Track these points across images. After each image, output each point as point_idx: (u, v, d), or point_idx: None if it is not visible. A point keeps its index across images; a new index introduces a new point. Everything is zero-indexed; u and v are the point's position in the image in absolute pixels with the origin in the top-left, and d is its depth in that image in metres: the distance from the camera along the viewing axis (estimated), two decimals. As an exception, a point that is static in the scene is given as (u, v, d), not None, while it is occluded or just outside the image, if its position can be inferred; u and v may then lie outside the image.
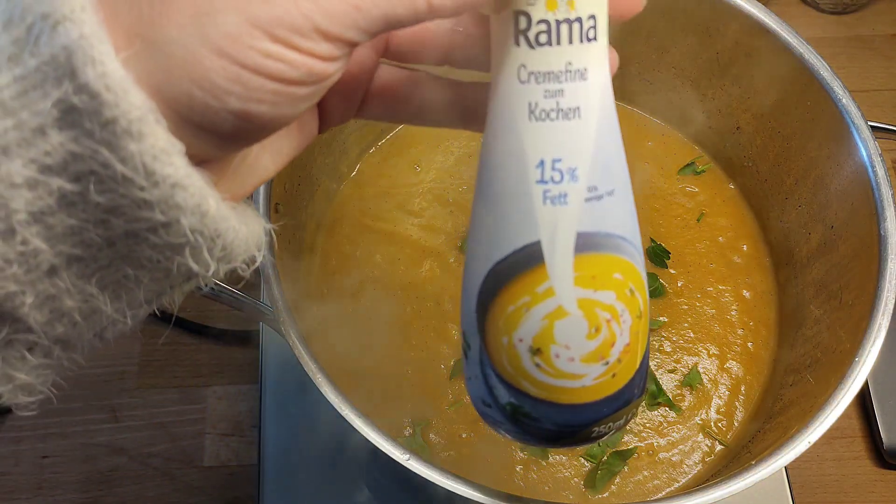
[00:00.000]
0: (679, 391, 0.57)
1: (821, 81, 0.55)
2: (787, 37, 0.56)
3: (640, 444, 0.55)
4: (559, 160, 0.30)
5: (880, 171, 0.52)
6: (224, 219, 0.26)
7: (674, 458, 0.55)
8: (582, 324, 0.31)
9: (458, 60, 0.33)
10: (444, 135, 0.66)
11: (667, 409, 0.56)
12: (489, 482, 0.53)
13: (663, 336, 0.59)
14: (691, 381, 0.57)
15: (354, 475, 0.59)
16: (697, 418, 0.57)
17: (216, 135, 0.25)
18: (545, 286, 0.31)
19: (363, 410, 0.43)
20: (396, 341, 0.58)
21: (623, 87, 0.68)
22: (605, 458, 0.54)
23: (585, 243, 0.30)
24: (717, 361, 0.59)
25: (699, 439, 0.56)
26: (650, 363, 0.58)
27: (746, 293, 0.61)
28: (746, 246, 0.63)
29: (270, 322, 0.47)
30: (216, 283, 0.49)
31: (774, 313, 0.61)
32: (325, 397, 0.44)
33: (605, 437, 0.35)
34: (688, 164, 0.66)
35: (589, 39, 0.29)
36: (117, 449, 0.66)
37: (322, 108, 0.32)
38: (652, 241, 0.62)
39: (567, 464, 0.54)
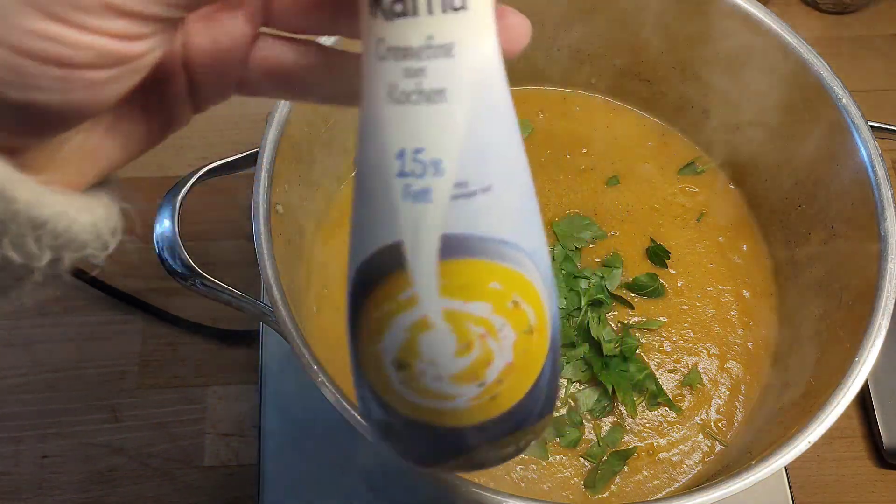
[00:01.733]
0: (679, 391, 0.57)
1: (821, 81, 0.55)
2: (787, 37, 0.56)
3: (640, 444, 0.55)
4: (421, 150, 0.26)
5: (880, 171, 0.52)
6: (46, 205, 0.24)
7: (674, 458, 0.55)
8: (449, 338, 0.27)
9: (346, 30, 0.29)
10: (444, 135, 0.66)
11: (667, 409, 0.56)
12: (489, 482, 0.53)
13: (663, 336, 0.59)
14: (691, 381, 0.58)
15: (354, 475, 0.59)
16: (697, 418, 0.57)
17: (5, 127, 0.23)
18: (408, 293, 0.27)
19: (363, 410, 0.43)
20: (396, 341, 0.57)
21: (623, 86, 0.68)
22: (605, 458, 0.54)
23: (454, 247, 0.26)
24: (717, 361, 0.59)
25: (699, 439, 0.56)
26: (651, 362, 0.58)
27: (746, 293, 0.61)
28: (746, 246, 0.63)
29: (270, 322, 0.47)
30: (216, 283, 0.49)
31: (774, 313, 0.61)
32: (325, 397, 0.44)
33: (491, 466, 0.31)
34: (688, 164, 0.66)
35: (455, 9, 0.25)
36: (117, 449, 0.66)
37: (192, 86, 0.29)
38: (652, 241, 0.62)
39: (567, 464, 0.54)
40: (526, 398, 0.29)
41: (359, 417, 0.43)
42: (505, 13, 0.28)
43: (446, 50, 0.25)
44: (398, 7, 0.25)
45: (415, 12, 0.25)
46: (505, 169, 0.27)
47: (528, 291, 0.28)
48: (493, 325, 0.28)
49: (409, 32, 0.25)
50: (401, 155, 0.26)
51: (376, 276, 0.27)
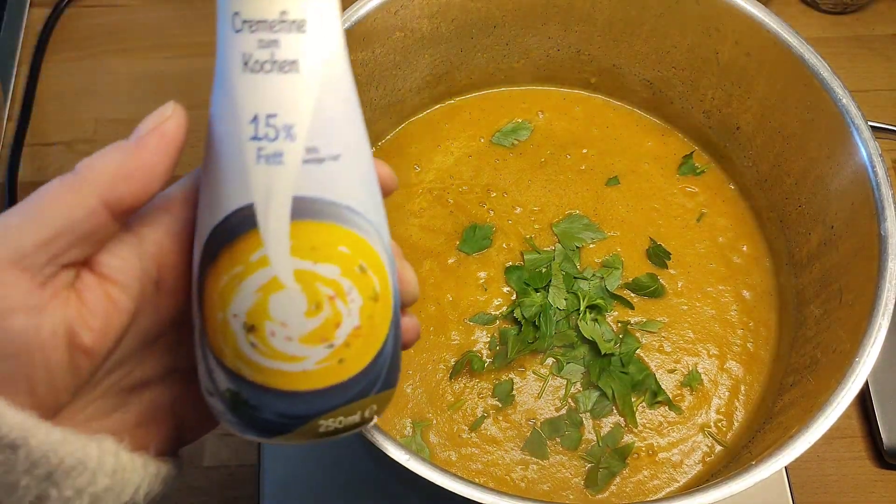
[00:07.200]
0: (679, 391, 0.57)
1: (821, 81, 0.55)
2: (787, 37, 0.56)
3: (640, 444, 0.55)
4: (274, 116, 0.28)
5: (880, 171, 0.52)
6: (60, 451, 0.27)
7: (674, 458, 0.55)
8: (299, 298, 0.28)
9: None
10: (444, 135, 0.67)
11: (667, 409, 0.56)
12: (489, 482, 0.53)
13: (663, 336, 0.59)
14: (691, 381, 0.57)
15: (354, 475, 0.59)
16: (697, 418, 0.57)
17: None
18: (259, 254, 0.28)
19: (363, 410, 0.43)
20: (396, 341, 0.57)
21: (623, 86, 0.68)
22: (605, 457, 0.54)
23: (304, 209, 0.28)
24: (717, 362, 0.59)
25: (699, 439, 0.56)
26: (651, 363, 0.58)
27: (746, 293, 0.61)
28: (746, 246, 0.63)
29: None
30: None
31: (774, 313, 0.61)
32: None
33: (339, 436, 0.31)
34: (688, 164, 0.66)
35: None
36: (117, 449, 0.66)
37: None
38: (652, 241, 0.62)
39: (567, 464, 0.54)
40: (371, 365, 0.30)
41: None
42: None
43: (299, 25, 0.28)
44: None
45: None
46: (351, 141, 0.29)
47: (374, 259, 0.30)
48: (341, 287, 0.29)
49: (264, 6, 0.27)
50: (254, 120, 0.28)
51: (228, 238, 0.28)
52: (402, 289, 0.32)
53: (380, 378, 0.31)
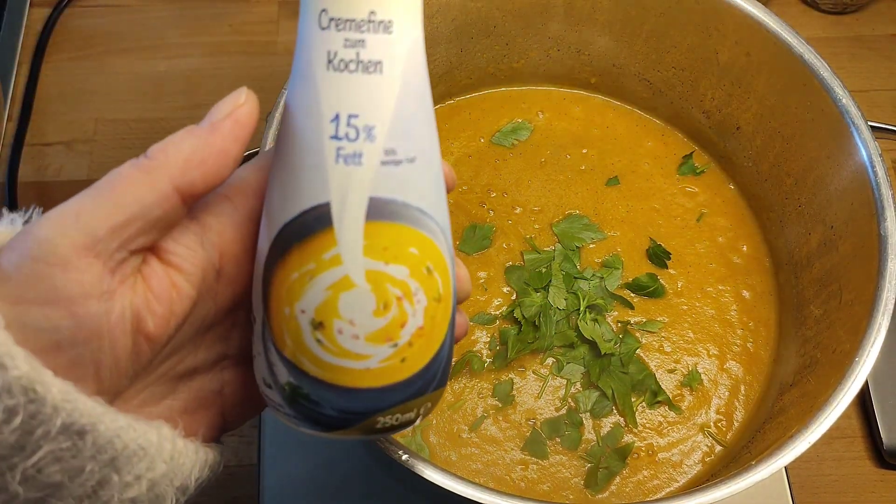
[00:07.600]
0: (679, 391, 0.57)
1: (821, 81, 0.55)
2: (787, 37, 0.56)
3: (639, 444, 0.55)
4: (355, 116, 0.28)
5: (880, 171, 0.52)
6: (123, 436, 0.27)
7: (674, 458, 0.55)
8: (369, 298, 0.29)
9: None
10: (444, 135, 0.67)
11: (667, 408, 0.56)
12: (489, 482, 0.53)
13: (663, 336, 0.59)
14: (691, 381, 0.58)
15: (354, 475, 0.59)
16: (697, 418, 0.57)
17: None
18: (332, 253, 0.28)
19: (363, 410, 0.43)
20: (396, 341, 0.57)
21: (623, 86, 0.68)
22: (605, 457, 0.54)
23: (379, 210, 0.28)
24: (716, 362, 0.59)
25: (699, 439, 0.56)
26: (651, 363, 0.58)
27: (746, 293, 0.61)
28: (746, 246, 0.63)
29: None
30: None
31: (774, 313, 0.61)
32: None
33: (393, 432, 0.32)
34: (688, 164, 0.66)
35: None
36: (117, 449, 0.66)
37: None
38: (652, 241, 0.62)
39: (567, 464, 0.54)
40: (430, 364, 0.31)
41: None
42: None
43: (386, 26, 0.28)
44: None
45: None
46: (427, 144, 0.30)
47: (440, 261, 0.30)
48: (409, 287, 0.29)
49: (353, 5, 0.27)
50: (335, 119, 0.28)
51: (301, 235, 0.29)
52: (457, 287, 0.33)
53: (437, 376, 0.32)
